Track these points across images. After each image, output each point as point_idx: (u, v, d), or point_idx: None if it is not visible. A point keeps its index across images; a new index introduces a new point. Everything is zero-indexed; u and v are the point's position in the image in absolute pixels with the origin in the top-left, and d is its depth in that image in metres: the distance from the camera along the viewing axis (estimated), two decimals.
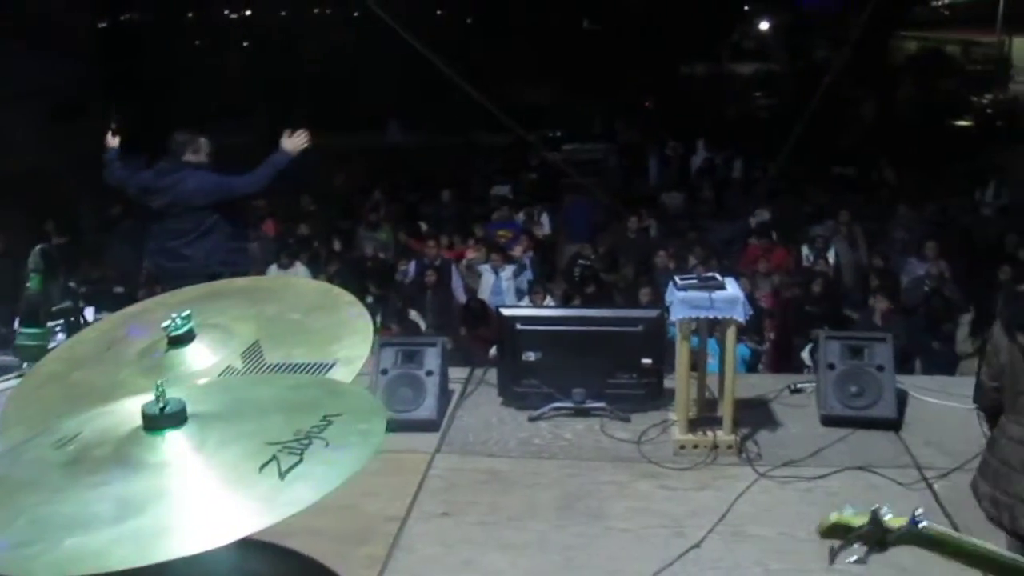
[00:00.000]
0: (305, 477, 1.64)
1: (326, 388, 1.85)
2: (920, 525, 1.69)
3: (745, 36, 41.47)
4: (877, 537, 1.70)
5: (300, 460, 1.65)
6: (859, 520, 1.71)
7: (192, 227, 6.28)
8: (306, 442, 1.67)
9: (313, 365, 2.00)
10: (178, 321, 2.16)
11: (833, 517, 1.73)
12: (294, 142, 6.30)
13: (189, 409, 1.69)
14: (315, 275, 9.65)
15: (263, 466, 1.62)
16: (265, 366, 2.02)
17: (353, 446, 1.71)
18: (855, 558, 1.73)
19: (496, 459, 5.09)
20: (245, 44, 29.12)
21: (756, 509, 4.49)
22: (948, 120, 24.48)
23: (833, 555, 1.77)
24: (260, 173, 6.31)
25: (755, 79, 31.79)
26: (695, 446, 4.96)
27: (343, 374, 2.03)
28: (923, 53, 36.99)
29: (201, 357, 2.18)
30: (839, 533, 1.73)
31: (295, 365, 2.00)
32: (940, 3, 49.07)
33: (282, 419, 1.70)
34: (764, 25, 40.23)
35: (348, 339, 2.00)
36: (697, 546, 4.18)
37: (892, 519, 1.71)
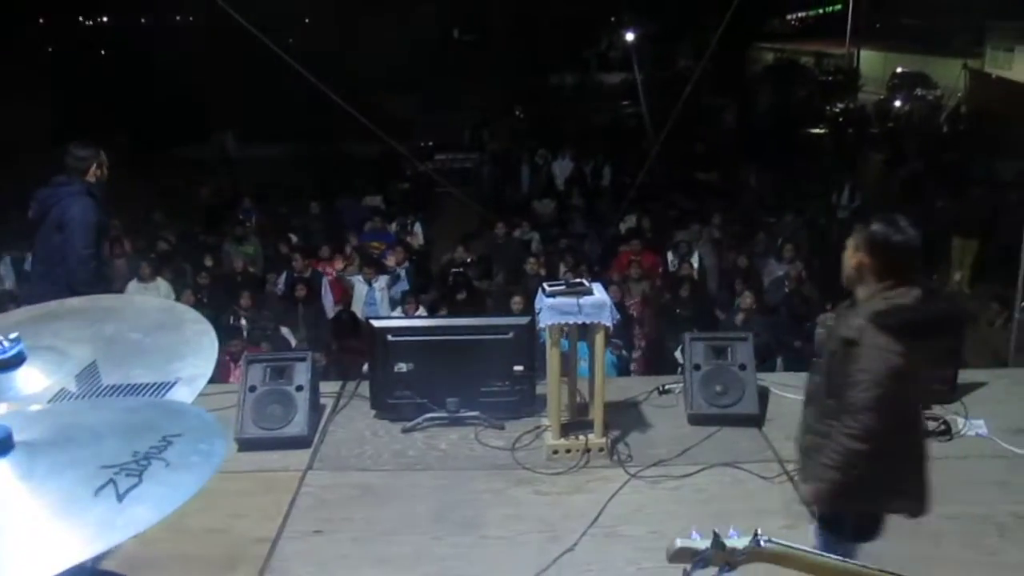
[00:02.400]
0: (144, 498, 1.56)
1: (164, 409, 1.77)
2: (762, 543, 1.74)
3: (612, 46, 42.54)
4: (724, 558, 1.74)
5: (139, 481, 1.57)
6: (702, 544, 1.75)
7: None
8: (145, 463, 1.60)
9: (153, 385, 1.91)
10: (4, 344, 2.03)
11: (678, 543, 1.76)
12: None
13: (15, 436, 1.59)
14: (179, 291, 9.31)
15: (99, 490, 1.53)
16: (102, 388, 1.91)
17: (194, 466, 1.64)
18: None
19: (370, 473, 5.02)
20: (103, 52, 27.98)
21: (628, 509, 4.56)
22: (803, 127, 25.66)
23: None
24: (77, 280, 5.52)
25: (621, 88, 32.56)
26: (568, 450, 5.01)
27: (185, 393, 1.95)
28: (779, 64, 38.80)
29: (32, 381, 2.04)
30: (686, 557, 1.76)
31: (134, 386, 1.91)
32: (794, 17, 51.58)
33: (119, 442, 1.62)
34: (630, 35, 41.36)
35: (191, 358, 1.92)
36: (571, 549, 4.22)
37: (735, 540, 1.76)
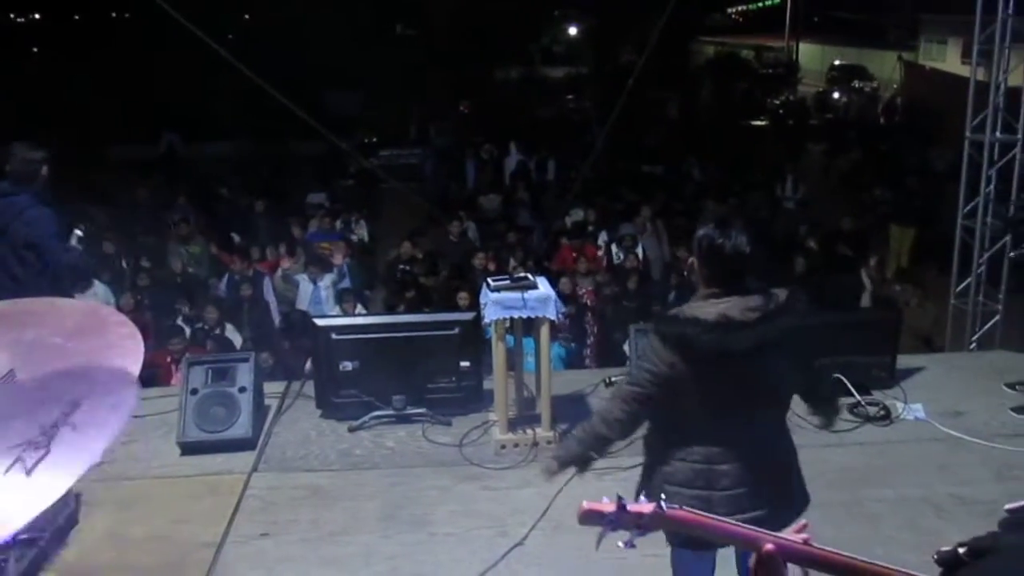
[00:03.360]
0: (54, 466, 1.54)
1: (71, 375, 1.73)
2: (666, 509, 1.78)
3: (555, 41, 42.70)
4: (631, 521, 1.78)
5: (47, 452, 1.55)
6: (608, 507, 1.78)
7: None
8: (53, 431, 1.57)
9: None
10: None
11: (585, 504, 1.80)
12: None
13: None
14: (118, 294, 9.10)
15: (7, 470, 1.51)
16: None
17: (103, 422, 1.61)
18: (622, 543, 1.80)
19: (316, 474, 4.97)
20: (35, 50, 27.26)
21: (576, 502, 4.52)
22: (745, 120, 26.01)
23: (598, 540, 1.86)
24: (62, 285, 5.09)
25: (566, 82, 32.68)
26: (516, 445, 5.02)
27: None
28: (721, 57, 39.29)
29: None
30: (593, 519, 1.79)
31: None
32: (734, 11, 52.27)
33: (25, 421, 1.59)
34: (573, 30, 41.54)
35: (115, 362, 1.86)
36: (520, 544, 4.23)
37: (638, 505, 1.79)
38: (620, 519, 1.79)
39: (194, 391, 5.20)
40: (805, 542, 1.80)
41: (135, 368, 1.76)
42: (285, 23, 27.09)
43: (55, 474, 1.53)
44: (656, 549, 2.98)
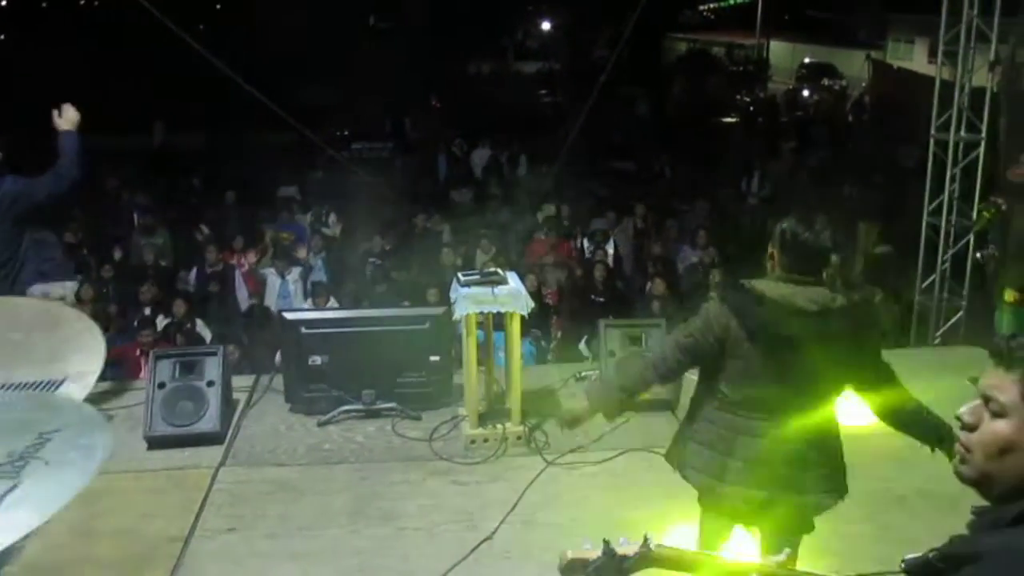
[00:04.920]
0: (24, 501, 1.49)
1: (40, 404, 1.69)
2: (652, 547, 1.77)
3: (528, 36, 42.67)
4: (615, 566, 1.76)
5: (17, 484, 1.50)
6: (594, 553, 1.76)
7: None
8: (21, 463, 1.53)
9: (40, 383, 1.83)
10: None
11: (569, 554, 1.77)
12: (69, 117, 5.49)
13: None
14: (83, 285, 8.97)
15: None
16: None
17: (75, 462, 1.57)
18: None
19: (285, 468, 4.95)
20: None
21: (545, 497, 4.60)
22: (715, 117, 26.12)
23: None
24: (62, 165, 5.23)
25: (538, 77, 32.66)
26: (485, 439, 5.03)
27: (75, 390, 1.88)
28: (692, 54, 39.46)
29: None
30: (578, 569, 1.77)
31: (19, 384, 1.82)
32: (705, 8, 52.49)
33: None
34: (546, 25, 41.53)
35: (75, 356, 1.84)
36: (489, 538, 4.24)
37: (625, 547, 1.78)
38: (605, 565, 1.77)
39: (161, 385, 5.16)
40: (782, 565, 1.79)
41: (97, 362, 1.74)
42: (256, 14, 26.85)
43: (24, 511, 1.49)
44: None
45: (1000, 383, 1.43)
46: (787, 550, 1.83)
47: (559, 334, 8.53)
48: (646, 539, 1.78)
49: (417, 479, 4.81)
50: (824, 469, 3.18)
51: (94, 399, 5.51)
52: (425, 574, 3.98)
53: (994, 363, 1.46)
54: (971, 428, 1.47)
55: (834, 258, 3.05)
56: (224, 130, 19.46)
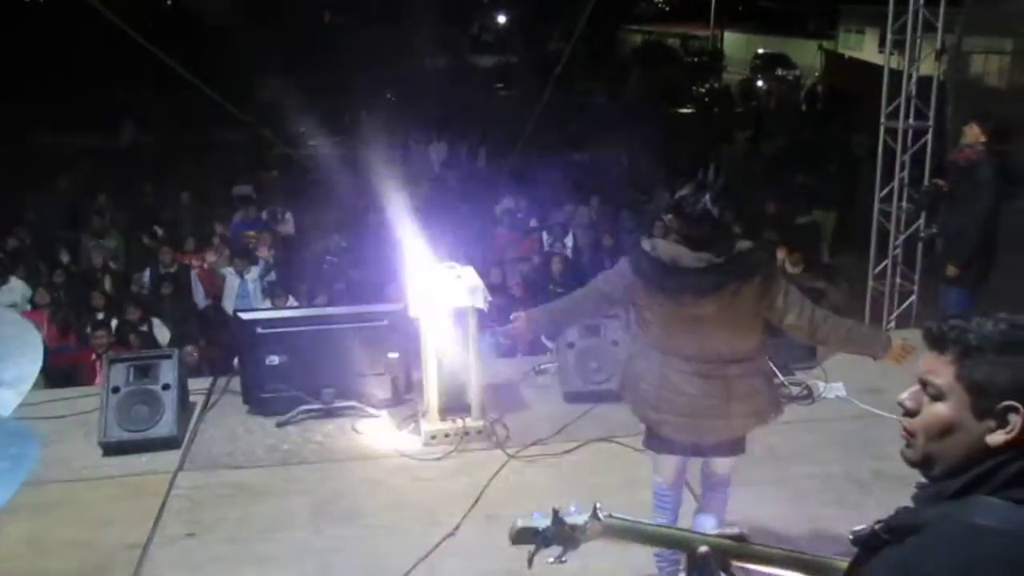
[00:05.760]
0: None
1: None
2: (602, 517, 1.76)
3: (484, 29, 42.57)
4: (566, 535, 1.75)
5: None
6: (544, 522, 1.75)
7: None
8: None
9: None
10: None
11: (519, 523, 1.76)
12: None
13: None
14: (35, 290, 8.81)
15: None
16: None
17: (4, 473, 1.53)
18: (552, 559, 1.77)
19: (244, 471, 4.88)
20: None
21: (507, 490, 4.60)
22: (672, 107, 26.29)
23: (530, 559, 1.80)
24: None
25: (495, 71, 32.61)
26: (446, 435, 5.01)
27: (10, 396, 1.82)
28: (647, 46, 39.67)
29: None
30: (528, 537, 1.76)
31: None
32: None
33: None
34: (502, 18, 41.47)
35: (11, 359, 1.79)
36: (452, 534, 4.22)
37: (574, 516, 1.77)
38: (555, 534, 1.76)
39: (116, 389, 5.07)
40: (738, 538, 1.80)
41: (34, 366, 1.69)
42: (209, 9, 26.45)
43: None
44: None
45: (935, 367, 1.45)
46: (737, 528, 1.82)
47: None
48: (596, 509, 1.77)
49: (379, 477, 4.78)
50: (747, 397, 3.44)
51: (47, 406, 5.43)
52: (388, 572, 3.95)
53: (928, 346, 1.48)
54: (912, 413, 1.49)
55: (721, 218, 3.27)
56: (176, 129, 19.19)
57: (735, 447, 3.59)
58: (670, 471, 3.65)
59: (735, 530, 1.81)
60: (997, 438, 1.38)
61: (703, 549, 1.76)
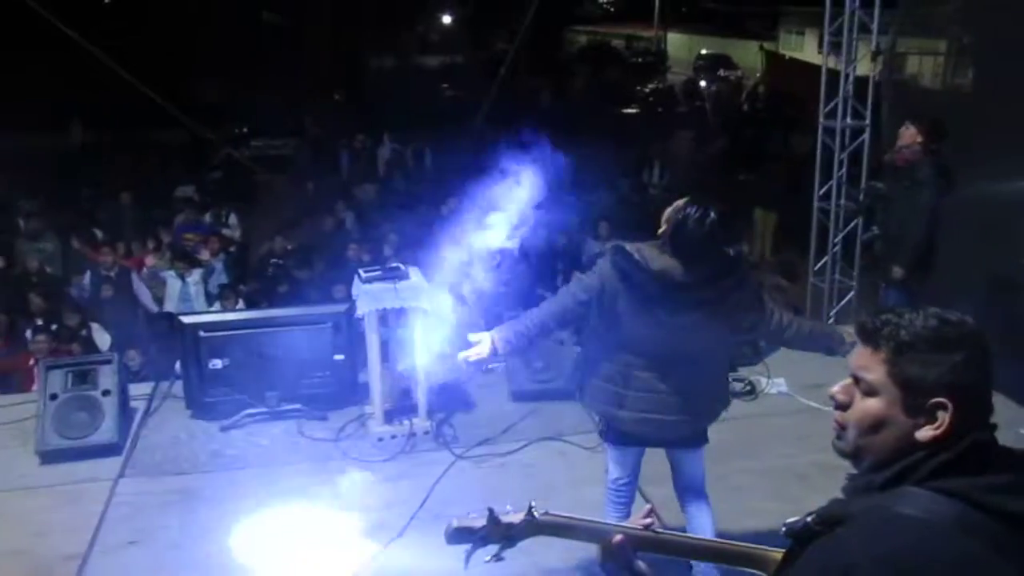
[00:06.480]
0: None
1: None
2: (537, 515, 1.77)
3: (430, 29, 42.39)
4: (501, 533, 1.75)
5: None
6: (479, 522, 1.75)
7: None
8: None
9: None
10: None
11: (455, 523, 1.76)
12: None
13: None
14: None
15: None
16: None
17: None
18: (489, 558, 1.77)
19: (187, 476, 4.82)
20: None
21: (454, 491, 4.60)
22: (616, 107, 26.45)
23: (467, 558, 1.81)
24: None
25: (441, 71, 32.50)
26: (393, 436, 5.00)
27: None
28: (592, 46, 39.89)
29: None
30: (464, 537, 1.76)
31: None
32: (605, 0, 53.13)
33: None
34: (447, 18, 41.34)
35: None
36: (400, 535, 4.21)
37: (509, 515, 1.77)
38: (491, 533, 1.76)
39: (53, 396, 4.96)
40: (647, 527, 1.81)
41: None
42: (148, 8, 25.94)
43: None
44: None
45: (868, 362, 1.48)
46: (651, 520, 1.83)
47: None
48: (531, 507, 1.78)
49: (325, 480, 4.73)
50: (706, 395, 3.56)
51: None
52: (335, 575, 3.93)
53: (861, 341, 1.50)
54: (843, 406, 1.52)
55: (719, 237, 3.28)
56: (117, 129, 18.80)
57: (700, 438, 3.68)
58: (630, 464, 3.70)
59: (646, 521, 1.82)
60: (926, 434, 1.41)
61: (617, 538, 1.76)
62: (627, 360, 3.43)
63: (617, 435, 3.63)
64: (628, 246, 3.38)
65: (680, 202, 3.34)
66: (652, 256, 3.30)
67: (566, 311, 3.52)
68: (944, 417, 1.40)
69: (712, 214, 3.23)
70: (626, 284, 3.33)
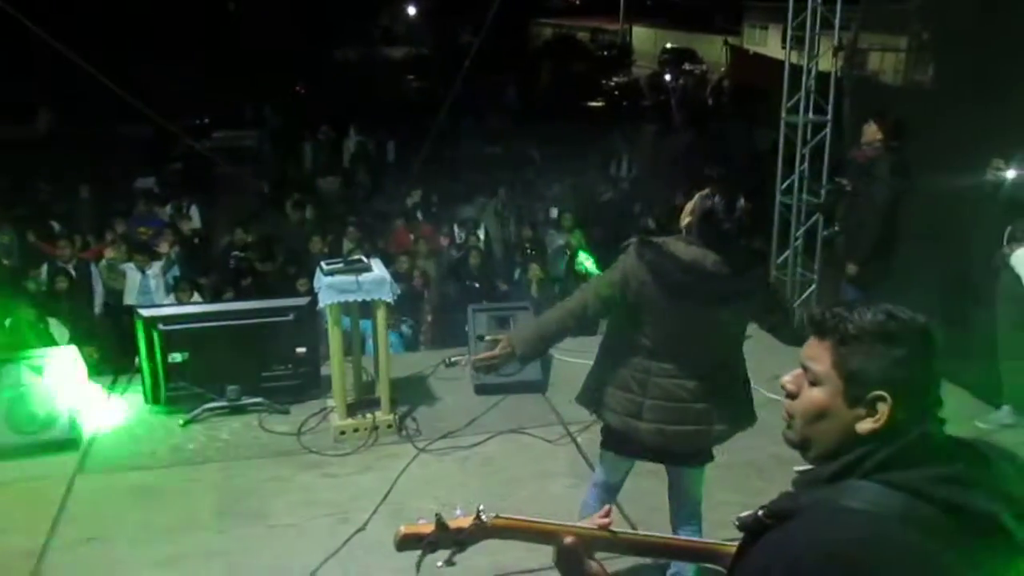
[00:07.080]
0: None
1: None
2: (484, 518, 1.76)
3: (395, 20, 42.19)
4: (451, 539, 1.74)
5: None
6: (428, 528, 1.74)
7: None
8: None
9: None
10: None
11: (403, 530, 1.74)
12: None
13: None
14: None
15: None
16: None
17: None
18: (441, 563, 1.76)
19: (146, 472, 4.76)
20: None
21: (417, 484, 4.58)
22: (582, 101, 26.51)
23: (418, 564, 1.79)
24: None
25: (406, 63, 32.36)
26: (355, 430, 4.97)
27: None
28: (558, 39, 39.91)
29: None
30: (413, 543, 1.74)
31: None
32: None
33: None
34: (412, 10, 41.17)
35: None
36: (362, 529, 4.19)
37: (458, 520, 1.76)
38: (441, 539, 1.75)
39: (8, 391, 4.86)
40: (602, 528, 1.80)
41: None
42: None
43: None
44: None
45: (816, 353, 1.50)
46: (608, 519, 1.83)
47: (429, 319, 8.51)
48: (479, 511, 1.76)
49: (287, 474, 4.70)
50: (729, 403, 3.44)
51: None
52: (297, 571, 3.90)
53: (811, 332, 1.52)
54: (792, 396, 1.53)
55: (747, 228, 3.24)
56: (74, 119, 18.49)
57: (704, 456, 3.55)
58: (623, 473, 3.62)
59: (602, 521, 1.81)
60: (865, 426, 1.43)
61: (568, 540, 1.75)
62: (645, 366, 3.30)
63: (620, 443, 3.47)
64: (653, 239, 3.27)
65: (704, 191, 3.25)
66: (679, 248, 3.20)
67: (587, 308, 3.34)
68: (884, 410, 1.41)
69: (741, 202, 3.18)
70: (654, 276, 3.18)
